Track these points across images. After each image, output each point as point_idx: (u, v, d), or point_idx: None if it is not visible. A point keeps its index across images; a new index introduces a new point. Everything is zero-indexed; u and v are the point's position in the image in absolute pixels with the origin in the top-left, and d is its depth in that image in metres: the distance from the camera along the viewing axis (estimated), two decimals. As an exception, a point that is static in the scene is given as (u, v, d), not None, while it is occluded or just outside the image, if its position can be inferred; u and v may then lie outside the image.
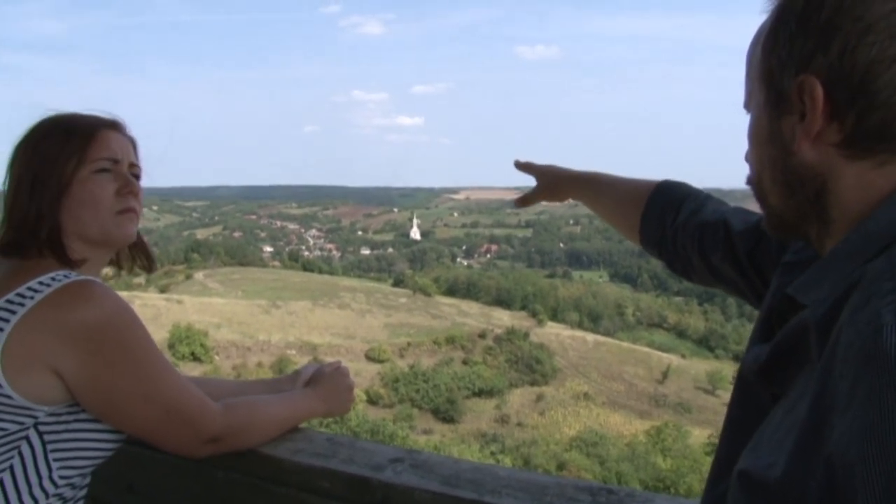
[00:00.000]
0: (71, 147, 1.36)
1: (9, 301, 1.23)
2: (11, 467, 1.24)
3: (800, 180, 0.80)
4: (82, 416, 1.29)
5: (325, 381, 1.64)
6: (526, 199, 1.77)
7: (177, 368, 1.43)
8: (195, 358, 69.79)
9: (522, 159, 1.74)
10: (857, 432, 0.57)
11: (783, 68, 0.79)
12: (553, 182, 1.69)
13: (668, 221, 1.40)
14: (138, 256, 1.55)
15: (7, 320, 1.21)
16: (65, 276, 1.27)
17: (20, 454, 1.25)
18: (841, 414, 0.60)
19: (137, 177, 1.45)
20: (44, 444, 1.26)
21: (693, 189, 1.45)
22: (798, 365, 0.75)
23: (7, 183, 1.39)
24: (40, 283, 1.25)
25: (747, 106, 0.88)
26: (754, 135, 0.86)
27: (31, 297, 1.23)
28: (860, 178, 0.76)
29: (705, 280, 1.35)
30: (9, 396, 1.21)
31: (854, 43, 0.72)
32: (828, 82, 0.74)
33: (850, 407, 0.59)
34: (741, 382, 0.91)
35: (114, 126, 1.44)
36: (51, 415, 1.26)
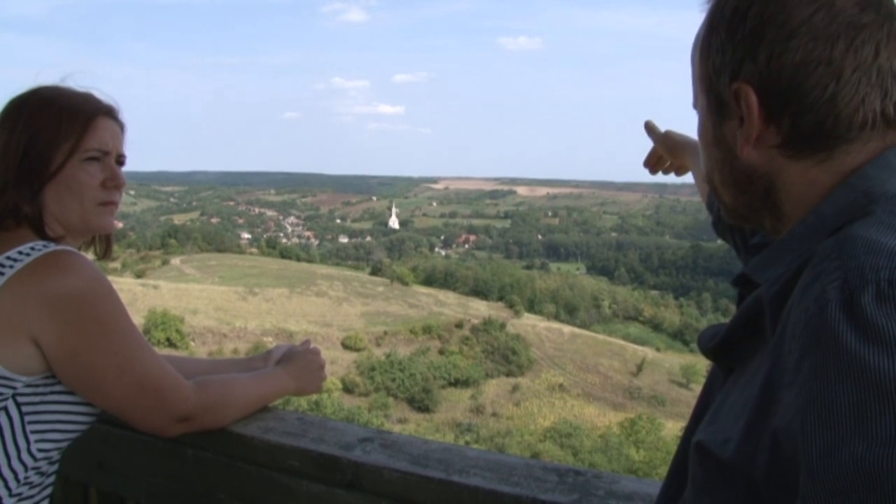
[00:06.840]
0: (67, 131, 1.33)
1: None
2: None
3: (748, 180, 0.83)
4: (57, 388, 1.29)
5: (296, 359, 1.65)
6: (656, 164, 1.74)
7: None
8: (171, 344, 69.00)
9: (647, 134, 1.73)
10: (800, 406, 0.59)
11: (718, 75, 0.82)
12: (673, 145, 1.69)
13: None
14: (100, 242, 1.53)
15: None
16: (44, 245, 1.27)
17: None
18: (787, 388, 0.62)
19: (122, 164, 1.44)
20: (22, 415, 1.25)
21: None
22: (754, 343, 0.76)
23: None
24: (20, 252, 1.25)
25: (695, 106, 0.91)
26: (702, 137, 0.89)
27: (11, 266, 1.23)
28: (804, 174, 0.79)
29: (729, 239, 1.41)
30: None
31: (779, 49, 0.75)
32: (760, 88, 0.77)
33: (795, 382, 0.61)
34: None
35: (109, 112, 1.42)
36: (28, 386, 1.25)
